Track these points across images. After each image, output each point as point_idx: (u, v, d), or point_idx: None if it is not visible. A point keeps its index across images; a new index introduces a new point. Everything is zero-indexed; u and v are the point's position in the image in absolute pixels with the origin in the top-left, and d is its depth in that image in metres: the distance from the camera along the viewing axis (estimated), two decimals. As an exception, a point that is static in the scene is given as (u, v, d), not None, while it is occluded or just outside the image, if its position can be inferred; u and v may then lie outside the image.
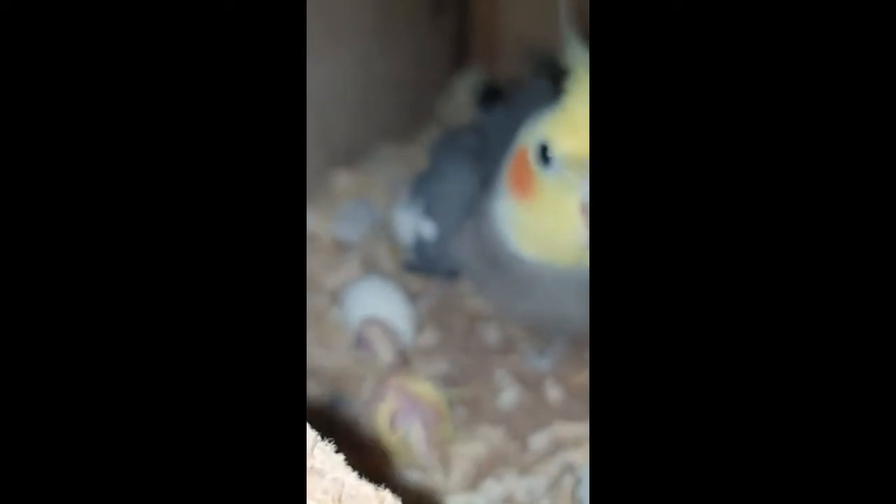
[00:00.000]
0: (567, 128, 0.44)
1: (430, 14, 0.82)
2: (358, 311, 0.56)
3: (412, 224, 0.57)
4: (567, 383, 0.54)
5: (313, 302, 0.60)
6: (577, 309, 0.48)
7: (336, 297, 0.59)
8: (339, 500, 0.25)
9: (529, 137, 0.46)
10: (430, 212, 0.55)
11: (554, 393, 0.54)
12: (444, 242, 0.54)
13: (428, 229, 0.55)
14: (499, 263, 0.49)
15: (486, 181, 0.52)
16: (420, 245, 0.56)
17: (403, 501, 0.25)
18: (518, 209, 0.47)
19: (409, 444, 0.46)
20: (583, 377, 0.55)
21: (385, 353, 0.51)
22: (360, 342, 0.53)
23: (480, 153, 0.57)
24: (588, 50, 0.43)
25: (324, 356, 0.55)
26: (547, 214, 0.45)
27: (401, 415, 0.46)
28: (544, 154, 0.44)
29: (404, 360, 0.52)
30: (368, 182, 0.72)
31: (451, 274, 0.57)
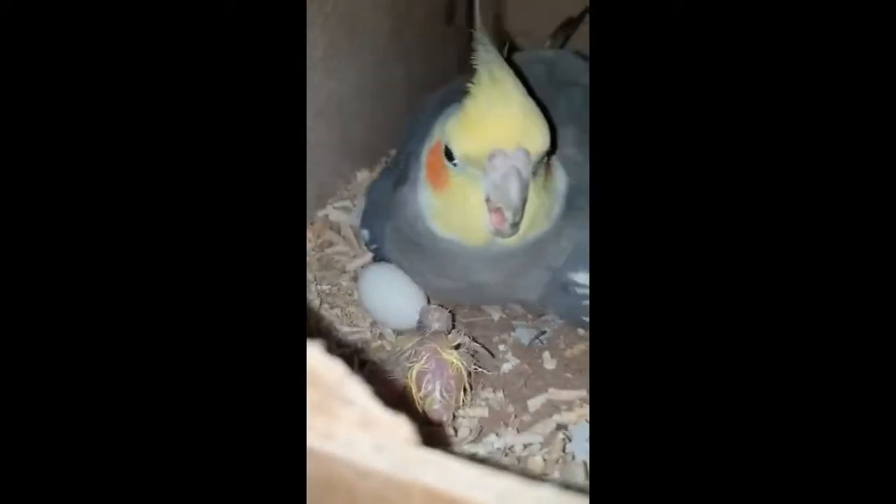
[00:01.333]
0: (465, 129, 0.48)
1: (441, 22, 0.88)
2: (372, 293, 0.63)
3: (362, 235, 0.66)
4: (561, 356, 0.61)
5: (338, 284, 0.67)
6: (490, 276, 0.55)
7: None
8: (363, 425, 0.32)
9: (441, 133, 0.51)
10: (364, 223, 0.65)
11: (550, 364, 0.61)
12: (376, 241, 0.63)
13: (366, 235, 0.65)
14: (420, 244, 0.57)
15: (400, 176, 0.59)
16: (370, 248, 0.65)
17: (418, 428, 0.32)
18: (434, 198, 0.53)
19: (430, 403, 0.53)
20: (574, 351, 0.62)
21: (434, 322, 0.58)
22: (420, 326, 0.60)
23: (398, 156, 0.65)
24: (500, 53, 0.49)
25: (348, 332, 0.63)
26: (457, 204, 0.51)
27: (427, 376, 0.53)
28: (448, 153, 0.49)
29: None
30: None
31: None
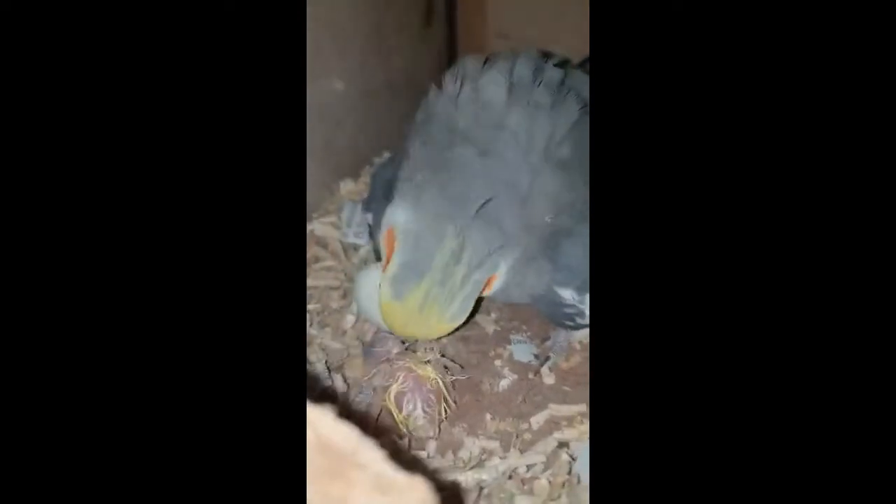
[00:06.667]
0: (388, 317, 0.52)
1: (421, 24, 0.86)
2: (366, 301, 0.62)
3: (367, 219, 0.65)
4: (558, 370, 0.61)
5: (326, 303, 0.66)
6: None
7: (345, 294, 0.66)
8: (380, 489, 0.31)
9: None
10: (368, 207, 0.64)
11: (549, 379, 0.60)
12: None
13: (370, 218, 0.63)
14: None
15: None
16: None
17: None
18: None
19: (414, 421, 0.53)
20: (570, 363, 0.61)
21: (393, 348, 0.58)
22: (373, 342, 0.59)
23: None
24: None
25: (340, 349, 0.62)
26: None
27: (407, 395, 0.53)
28: None
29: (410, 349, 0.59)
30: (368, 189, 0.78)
31: None
